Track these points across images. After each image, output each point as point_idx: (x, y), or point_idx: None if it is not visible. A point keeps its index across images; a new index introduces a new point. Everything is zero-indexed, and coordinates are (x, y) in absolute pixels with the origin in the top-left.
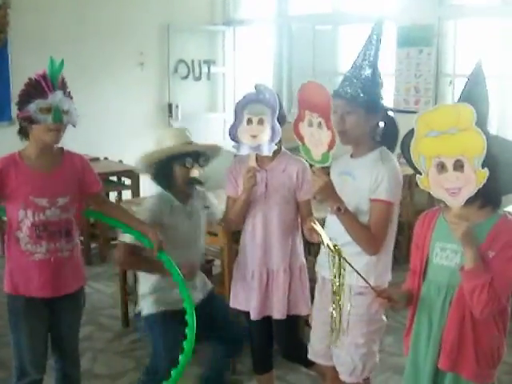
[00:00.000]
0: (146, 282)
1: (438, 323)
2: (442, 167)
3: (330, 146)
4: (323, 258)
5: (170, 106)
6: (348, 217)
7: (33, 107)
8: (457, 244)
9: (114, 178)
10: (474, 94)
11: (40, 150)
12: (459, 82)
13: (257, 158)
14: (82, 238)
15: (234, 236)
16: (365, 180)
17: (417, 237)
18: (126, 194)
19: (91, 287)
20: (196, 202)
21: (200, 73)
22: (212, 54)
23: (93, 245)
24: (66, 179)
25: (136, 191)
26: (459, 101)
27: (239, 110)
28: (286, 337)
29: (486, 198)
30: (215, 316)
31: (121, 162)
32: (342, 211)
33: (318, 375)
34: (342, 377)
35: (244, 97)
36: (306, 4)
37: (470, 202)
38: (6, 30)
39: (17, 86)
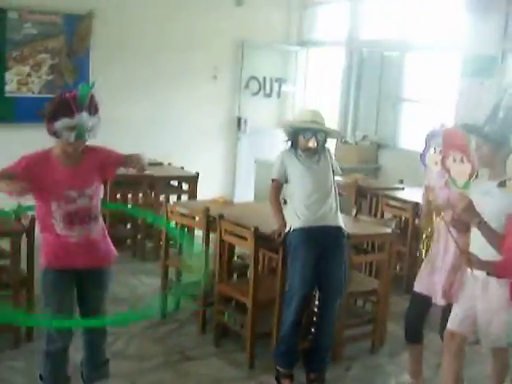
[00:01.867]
0: None
1: None
2: None
3: (470, 176)
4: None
5: (239, 119)
6: (487, 227)
7: (59, 124)
8: None
9: (175, 183)
10: None
11: (66, 153)
12: None
13: None
14: (139, 237)
15: (261, 240)
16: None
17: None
18: (184, 198)
19: (140, 280)
20: (323, 156)
21: (271, 90)
22: (284, 72)
23: (149, 244)
24: (90, 170)
25: (193, 196)
26: None
27: (428, 140)
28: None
29: None
30: None
31: (182, 168)
32: (482, 223)
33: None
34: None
35: (432, 131)
36: (375, 30)
37: None
38: (90, 39)
39: (95, 93)
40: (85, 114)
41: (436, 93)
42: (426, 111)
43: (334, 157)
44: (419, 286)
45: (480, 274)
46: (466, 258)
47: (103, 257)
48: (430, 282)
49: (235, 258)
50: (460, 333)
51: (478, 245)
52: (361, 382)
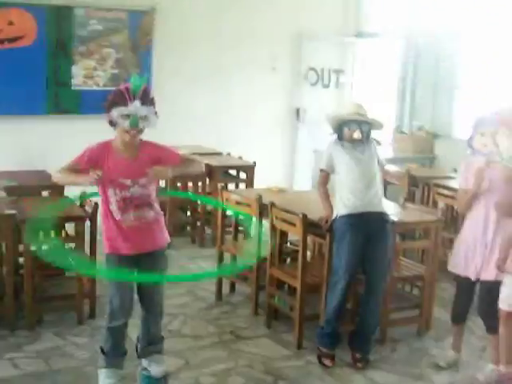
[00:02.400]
0: None
1: None
2: None
3: None
4: None
5: (298, 110)
6: None
7: (115, 113)
8: None
9: (234, 172)
10: None
11: (123, 143)
12: None
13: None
14: (198, 224)
15: (309, 227)
16: None
17: None
18: (242, 187)
19: (198, 265)
20: (368, 148)
21: (329, 81)
22: (342, 63)
23: (208, 231)
24: (145, 163)
25: (250, 184)
26: None
27: (476, 125)
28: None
29: None
30: None
31: (240, 158)
32: None
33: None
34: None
35: (479, 116)
36: (432, 21)
37: None
38: (152, 34)
39: (157, 85)
40: (138, 103)
41: (491, 81)
42: (481, 100)
43: (378, 148)
44: (460, 269)
45: None
46: None
47: (155, 241)
48: (470, 261)
49: (288, 244)
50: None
51: None
52: (405, 363)
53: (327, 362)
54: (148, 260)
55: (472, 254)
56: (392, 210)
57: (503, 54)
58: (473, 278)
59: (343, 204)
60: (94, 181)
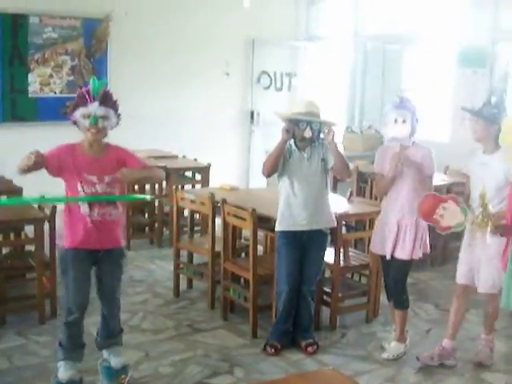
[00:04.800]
0: None
1: None
2: None
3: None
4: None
5: (252, 113)
6: None
7: (77, 114)
8: None
9: (190, 174)
10: None
11: (89, 143)
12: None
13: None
14: (156, 225)
15: (262, 223)
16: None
17: None
18: (198, 187)
19: (157, 264)
20: (315, 152)
21: (281, 84)
22: (293, 67)
23: (166, 231)
24: (110, 163)
25: (205, 185)
26: None
27: (388, 112)
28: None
29: None
30: None
31: (195, 160)
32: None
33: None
34: (483, 290)
35: (390, 103)
36: (378, 24)
37: None
38: (107, 40)
39: (114, 90)
40: (97, 103)
41: (434, 82)
42: (425, 101)
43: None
44: (378, 248)
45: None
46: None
47: (115, 239)
48: (386, 241)
49: (243, 240)
50: (468, 284)
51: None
52: (354, 346)
53: (269, 349)
54: (107, 257)
55: (387, 234)
56: (340, 205)
57: (445, 57)
58: (388, 256)
59: (282, 217)
60: (29, 159)
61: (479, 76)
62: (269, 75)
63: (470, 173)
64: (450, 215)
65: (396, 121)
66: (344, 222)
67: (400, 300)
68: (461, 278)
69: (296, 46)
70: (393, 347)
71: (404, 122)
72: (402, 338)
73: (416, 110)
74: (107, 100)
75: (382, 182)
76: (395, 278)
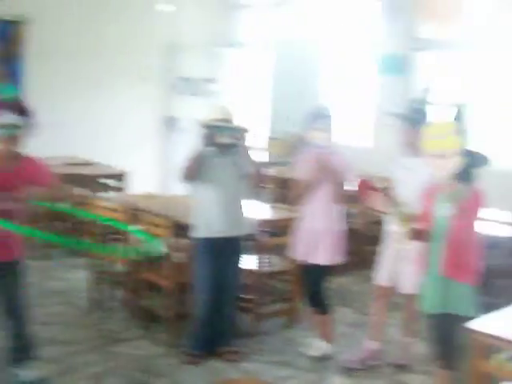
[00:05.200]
0: None
1: (442, 250)
2: (435, 157)
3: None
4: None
5: (170, 119)
6: None
7: None
8: (448, 202)
9: (105, 181)
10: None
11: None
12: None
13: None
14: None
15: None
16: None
17: (425, 203)
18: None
19: (74, 274)
20: (230, 159)
21: (200, 90)
22: (212, 72)
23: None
24: (18, 178)
25: (121, 192)
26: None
27: (309, 121)
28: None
29: (462, 177)
30: None
31: (110, 166)
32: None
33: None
34: (405, 290)
35: (311, 112)
36: (298, 31)
37: (453, 178)
38: (23, 45)
39: (30, 95)
40: (8, 113)
41: (354, 89)
42: (347, 107)
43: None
44: (299, 255)
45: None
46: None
47: (9, 252)
48: (305, 248)
49: None
50: (388, 286)
51: None
52: (276, 352)
53: (190, 359)
54: (6, 269)
55: (306, 241)
56: (260, 210)
57: (365, 64)
58: (308, 262)
59: (202, 224)
60: None
61: (399, 83)
62: (187, 81)
63: (394, 177)
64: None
65: (316, 128)
66: (264, 228)
67: (321, 305)
68: (381, 279)
69: (215, 52)
70: (318, 346)
71: (324, 129)
72: (325, 338)
73: (335, 118)
74: (18, 108)
75: (300, 190)
76: (316, 283)
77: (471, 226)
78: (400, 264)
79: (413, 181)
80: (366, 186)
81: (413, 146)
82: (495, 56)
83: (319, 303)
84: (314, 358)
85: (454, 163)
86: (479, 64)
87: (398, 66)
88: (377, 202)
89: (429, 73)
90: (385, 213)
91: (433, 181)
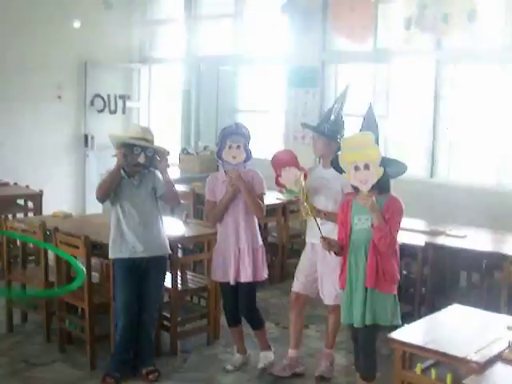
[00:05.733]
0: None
1: (362, 262)
2: (356, 168)
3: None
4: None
5: (86, 136)
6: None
7: None
8: (367, 214)
9: (22, 202)
10: (370, 126)
11: None
12: None
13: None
14: None
15: (96, 250)
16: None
17: (341, 217)
18: (31, 215)
19: None
20: (145, 179)
21: (116, 106)
22: (127, 89)
23: None
24: None
25: (38, 212)
26: (362, 130)
27: (223, 138)
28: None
29: (382, 186)
30: None
31: (27, 187)
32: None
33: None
34: (328, 302)
35: (225, 129)
36: (212, 46)
37: (373, 188)
38: None
39: None
40: None
41: (268, 102)
42: (260, 120)
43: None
44: (219, 276)
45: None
46: (327, 243)
47: None
48: (228, 268)
49: None
50: (304, 294)
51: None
52: (196, 370)
53: (110, 381)
54: None
55: (228, 260)
56: (176, 228)
57: (277, 77)
58: (232, 282)
59: (117, 246)
60: None
61: (311, 95)
62: (102, 98)
63: (310, 186)
64: (289, 179)
65: (230, 147)
66: (180, 245)
67: (256, 320)
68: (296, 287)
69: (129, 68)
70: (264, 356)
71: (238, 147)
72: (267, 347)
73: (250, 136)
74: None
75: (215, 209)
76: (246, 300)
77: (391, 236)
78: (321, 275)
79: (328, 190)
80: (280, 162)
81: (329, 157)
82: (407, 68)
83: (255, 318)
84: (262, 369)
85: (378, 173)
86: (392, 76)
87: (310, 78)
88: (289, 180)
89: (342, 85)
90: (294, 193)
91: (349, 192)
